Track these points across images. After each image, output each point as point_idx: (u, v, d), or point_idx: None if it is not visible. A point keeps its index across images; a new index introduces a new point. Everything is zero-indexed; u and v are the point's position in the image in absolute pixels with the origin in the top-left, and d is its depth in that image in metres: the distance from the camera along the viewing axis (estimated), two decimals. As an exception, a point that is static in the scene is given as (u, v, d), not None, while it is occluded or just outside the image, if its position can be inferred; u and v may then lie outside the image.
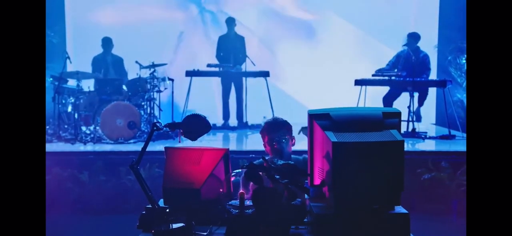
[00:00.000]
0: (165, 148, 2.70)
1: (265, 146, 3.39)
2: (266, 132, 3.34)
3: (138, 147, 6.96)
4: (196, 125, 2.56)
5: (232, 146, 7.63)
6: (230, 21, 8.92)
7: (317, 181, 2.46)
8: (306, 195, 2.51)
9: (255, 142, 8.00)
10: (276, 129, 3.31)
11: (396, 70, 7.99)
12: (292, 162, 2.53)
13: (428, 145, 7.26)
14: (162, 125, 2.60)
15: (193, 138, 2.58)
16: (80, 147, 6.98)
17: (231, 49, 8.84)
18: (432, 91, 9.12)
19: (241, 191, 2.44)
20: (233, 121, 9.07)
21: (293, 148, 3.47)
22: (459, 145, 7.17)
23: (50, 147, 6.94)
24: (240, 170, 2.56)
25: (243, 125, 8.95)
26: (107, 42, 8.67)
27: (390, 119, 2.40)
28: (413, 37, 8.08)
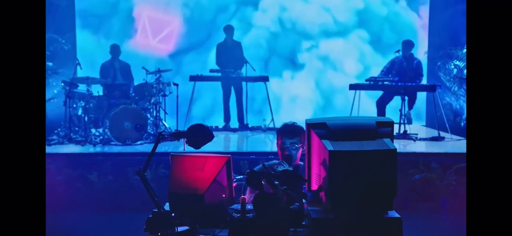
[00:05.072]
0: (171, 155, 2.69)
1: (277, 146, 3.26)
2: (281, 134, 3.20)
3: (144, 148, 6.95)
4: (199, 134, 2.55)
5: (233, 148, 7.62)
6: (228, 29, 8.89)
7: (314, 186, 2.46)
8: (304, 199, 2.51)
9: (255, 144, 8.00)
10: (291, 136, 3.15)
11: (390, 76, 8.02)
12: (291, 168, 2.52)
13: (419, 147, 7.23)
14: (167, 133, 2.59)
15: (197, 147, 2.58)
16: (89, 149, 6.96)
17: (229, 55, 8.80)
18: (423, 95, 9.13)
19: (243, 196, 2.44)
20: (234, 123, 9.05)
21: None
22: (448, 147, 7.16)
23: (61, 148, 6.94)
24: (241, 176, 2.55)
25: (243, 127, 8.92)
26: (115, 49, 8.67)
27: (384, 128, 2.41)
28: (408, 44, 8.13)
